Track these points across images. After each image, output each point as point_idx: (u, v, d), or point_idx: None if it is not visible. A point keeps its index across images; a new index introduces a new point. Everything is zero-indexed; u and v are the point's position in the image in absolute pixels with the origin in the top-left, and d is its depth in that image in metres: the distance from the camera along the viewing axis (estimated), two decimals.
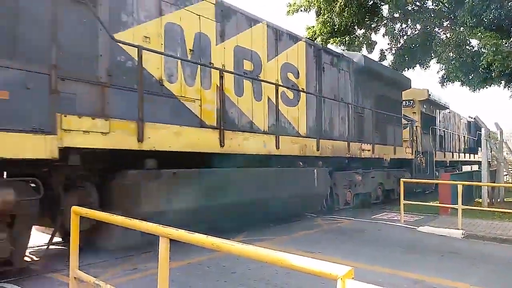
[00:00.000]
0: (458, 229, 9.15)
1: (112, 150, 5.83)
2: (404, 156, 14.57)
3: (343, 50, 15.44)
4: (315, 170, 10.09)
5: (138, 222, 3.20)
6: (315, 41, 16.58)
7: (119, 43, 5.96)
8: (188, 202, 6.79)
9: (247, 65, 8.49)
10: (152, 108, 6.37)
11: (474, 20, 12.54)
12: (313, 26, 17.30)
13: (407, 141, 15.01)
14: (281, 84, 9.17)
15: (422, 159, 15.87)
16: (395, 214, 11.54)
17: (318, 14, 16.56)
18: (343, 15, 14.75)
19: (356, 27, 16.35)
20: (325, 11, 15.60)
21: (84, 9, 5.58)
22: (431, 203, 11.45)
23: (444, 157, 19.94)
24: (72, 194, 5.78)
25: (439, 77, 17.41)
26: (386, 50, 18.44)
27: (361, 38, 17.33)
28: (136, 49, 6.05)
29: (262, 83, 8.68)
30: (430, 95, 13.44)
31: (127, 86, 6.11)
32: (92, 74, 5.73)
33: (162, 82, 6.69)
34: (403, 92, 14.71)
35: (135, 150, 6.09)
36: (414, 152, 15.30)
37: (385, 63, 18.49)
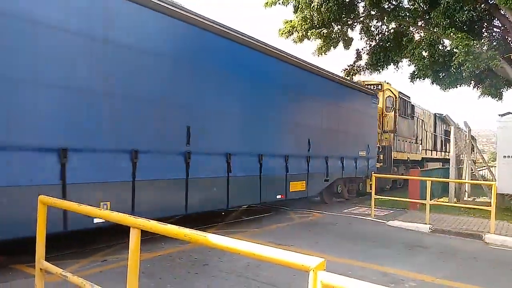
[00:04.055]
0: (425, 223, 9.41)
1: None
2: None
3: (322, 45, 16.56)
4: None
5: (108, 212, 3.12)
6: (294, 36, 16.84)
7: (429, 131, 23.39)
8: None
9: (429, 129, 23.51)
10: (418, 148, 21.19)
11: (448, 20, 12.80)
12: (291, 21, 17.31)
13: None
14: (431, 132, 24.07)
15: None
16: (366, 208, 11.77)
17: (296, 9, 16.55)
18: (321, 10, 14.80)
19: (333, 23, 16.42)
20: (303, 6, 15.58)
21: (411, 120, 19.53)
22: (400, 198, 11.71)
23: None
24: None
25: (409, 73, 17.77)
26: (362, 49, 18.69)
27: (337, 34, 17.42)
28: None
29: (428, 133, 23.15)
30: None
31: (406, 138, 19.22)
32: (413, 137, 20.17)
33: (417, 139, 20.40)
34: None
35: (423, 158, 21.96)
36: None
37: (361, 63, 18.82)
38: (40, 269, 3.48)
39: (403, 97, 18.38)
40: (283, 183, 9.91)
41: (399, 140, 17.78)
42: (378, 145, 15.78)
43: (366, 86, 16.10)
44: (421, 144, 21.54)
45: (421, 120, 21.53)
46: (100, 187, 5.85)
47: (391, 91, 17.38)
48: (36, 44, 5.18)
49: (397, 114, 17.36)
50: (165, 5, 6.74)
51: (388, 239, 8.25)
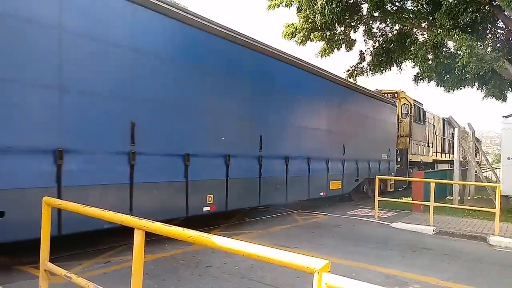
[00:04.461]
0: (429, 225, 9.38)
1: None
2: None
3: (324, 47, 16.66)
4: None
5: (113, 214, 3.12)
6: (296, 37, 16.83)
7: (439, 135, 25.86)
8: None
9: (439, 133, 25.32)
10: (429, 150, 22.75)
11: (452, 22, 12.75)
12: (293, 24, 17.31)
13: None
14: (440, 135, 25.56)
15: None
16: (370, 210, 11.74)
17: (299, 10, 16.53)
18: (324, 12, 14.77)
19: (336, 24, 16.38)
20: (307, 8, 15.56)
21: (423, 125, 20.77)
22: (404, 200, 11.69)
23: None
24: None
25: (413, 75, 17.68)
26: (365, 51, 18.63)
27: (340, 36, 17.37)
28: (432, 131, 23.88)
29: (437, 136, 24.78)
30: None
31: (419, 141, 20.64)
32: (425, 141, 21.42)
33: (428, 142, 22.04)
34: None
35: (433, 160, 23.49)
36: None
37: (364, 64, 18.75)
38: (45, 270, 3.49)
39: (417, 104, 20.24)
40: (325, 182, 11.78)
41: (413, 143, 19.61)
42: (396, 148, 17.54)
43: (384, 94, 17.88)
44: (432, 147, 23.34)
45: (431, 125, 23.24)
46: (207, 183, 7.72)
47: (406, 99, 19.24)
48: (178, 80, 7.18)
49: (412, 120, 19.14)
50: (251, 42, 8.81)
51: (391, 241, 8.22)
